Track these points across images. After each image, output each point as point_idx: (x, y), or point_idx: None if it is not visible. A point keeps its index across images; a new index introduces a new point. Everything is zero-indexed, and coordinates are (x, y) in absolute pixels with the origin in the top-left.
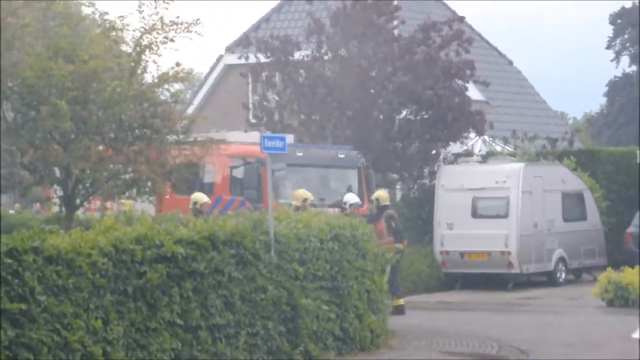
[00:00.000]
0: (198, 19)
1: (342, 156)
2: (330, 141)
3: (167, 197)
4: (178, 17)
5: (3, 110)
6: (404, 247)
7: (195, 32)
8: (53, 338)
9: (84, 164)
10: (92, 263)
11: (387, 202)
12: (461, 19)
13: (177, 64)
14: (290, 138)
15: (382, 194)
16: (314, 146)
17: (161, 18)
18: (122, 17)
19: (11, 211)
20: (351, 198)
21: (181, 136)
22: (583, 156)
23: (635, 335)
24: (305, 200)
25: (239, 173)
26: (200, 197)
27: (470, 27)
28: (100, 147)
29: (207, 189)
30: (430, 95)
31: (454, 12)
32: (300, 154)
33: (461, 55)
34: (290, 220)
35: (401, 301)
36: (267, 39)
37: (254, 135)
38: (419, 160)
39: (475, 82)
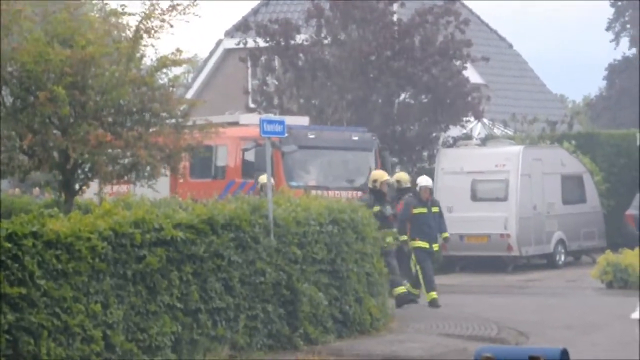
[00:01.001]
0: (194, 1)
1: (356, 138)
2: (331, 123)
3: (182, 181)
4: (173, 1)
5: (2, 96)
6: None
7: (193, 13)
8: (53, 322)
9: (83, 148)
10: (91, 247)
11: (409, 184)
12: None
13: (178, 50)
14: (305, 120)
15: (403, 175)
16: (327, 128)
17: (158, 3)
18: (123, 5)
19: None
20: (423, 180)
21: (180, 120)
22: (582, 139)
23: (634, 316)
24: (375, 181)
25: (250, 156)
26: (261, 178)
27: (469, 10)
28: (99, 131)
29: (220, 172)
30: (427, 78)
31: None
32: (313, 136)
33: (455, 37)
34: (289, 204)
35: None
36: (266, 23)
37: (267, 117)
38: (418, 144)
39: (473, 61)
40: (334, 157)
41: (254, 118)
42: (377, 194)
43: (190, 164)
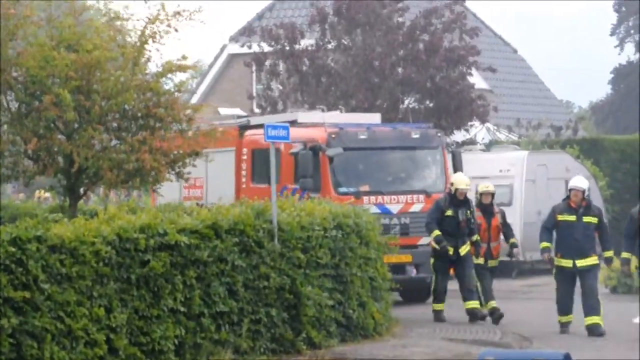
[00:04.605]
0: (200, 7)
1: (417, 136)
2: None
3: (244, 186)
4: (179, 5)
5: (7, 101)
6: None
7: (198, 19)
8: (56, 326)
9: (87, 152)
10: (95, 252)
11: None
12: (462, 1)
13: (184, 57)
14: (377, 118)
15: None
16: (382, 126)
17: (163, 6)
18: (127, 7)
19: (17, 201)
20: (577, 181)
21: (184, 125)
22: (587, 144)
23: (636, 320)
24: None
25: (298, 160)
26: (454, 177)
27: (474, 15)
28: (104, 136)
29: (275, 177)
30: (432, 85)
31: None
32: (364, 136)
33: (465, 41)
34: (293, 209)
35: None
36: (271, 27)
37: (332, 116)
38: None
39: (478, 69)
40: (391, 158)
41: (314, 116)
42: None
43: (252, 168)
